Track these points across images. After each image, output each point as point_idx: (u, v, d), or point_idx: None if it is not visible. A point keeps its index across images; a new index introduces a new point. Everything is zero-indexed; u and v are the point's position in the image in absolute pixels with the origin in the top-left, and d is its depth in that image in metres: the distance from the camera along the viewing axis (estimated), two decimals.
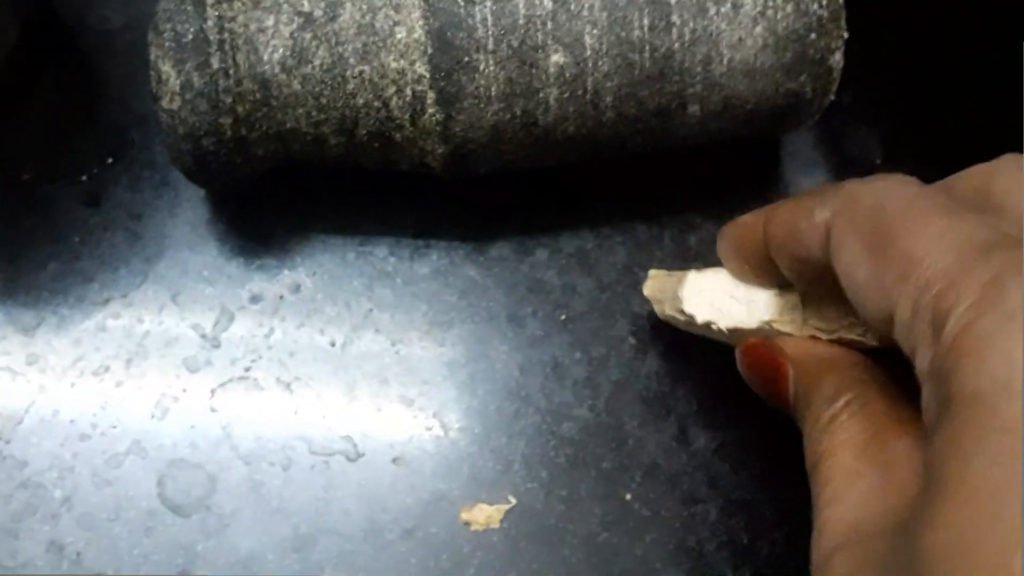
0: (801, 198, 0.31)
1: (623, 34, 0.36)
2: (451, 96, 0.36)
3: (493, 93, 0.36)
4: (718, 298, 0.35)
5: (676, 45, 0.36)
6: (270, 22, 0.36)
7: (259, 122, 0.36)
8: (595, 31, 0.36)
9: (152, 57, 0.36)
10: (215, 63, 0.35)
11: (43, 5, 0.44)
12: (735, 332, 0.35)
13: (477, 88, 0.36)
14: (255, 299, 0.40)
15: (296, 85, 0.36)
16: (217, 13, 0.36)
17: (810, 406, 0.31)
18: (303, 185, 0.41)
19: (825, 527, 0.27)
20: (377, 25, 0.36)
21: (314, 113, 0.36)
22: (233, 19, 0.36)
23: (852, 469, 0.28)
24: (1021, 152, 0.29)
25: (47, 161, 0.42)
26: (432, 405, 0.39)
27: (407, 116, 0.36)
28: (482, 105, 0.36)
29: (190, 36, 0.35)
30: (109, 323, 0.40)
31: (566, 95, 0.36)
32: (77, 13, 0.44)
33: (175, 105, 0.35)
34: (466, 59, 0.36)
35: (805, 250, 0.30)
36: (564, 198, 0.42)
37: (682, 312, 0.36)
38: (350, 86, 0.36)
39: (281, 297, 0.41)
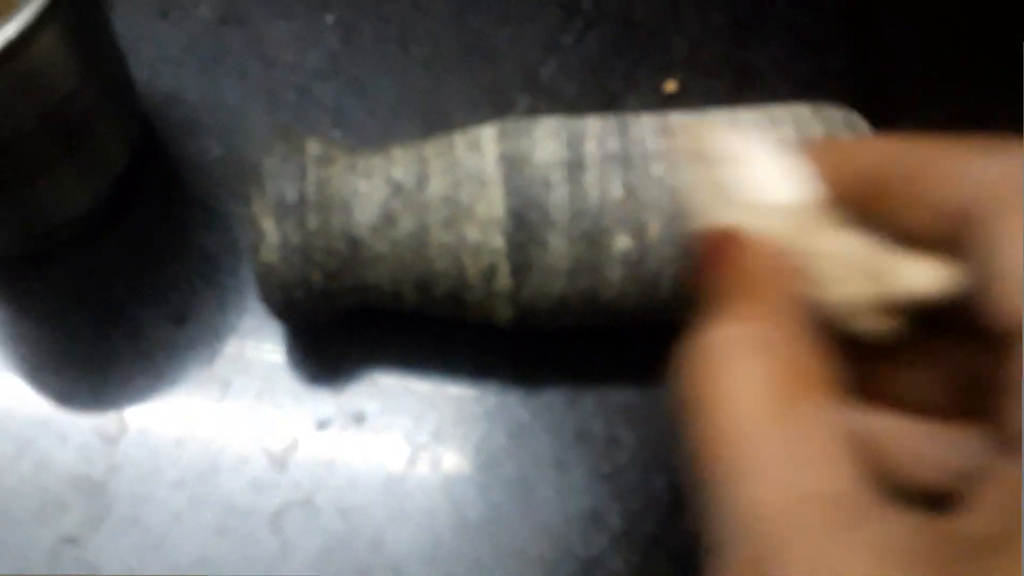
0: (945, 143, 0.24)
1: (684, 225, 0.39)
2: (523, 267, 0.39)
3: (562, 268, 0.39)
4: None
5: None
6: (364, 187, 0.40)
7: (345, 277, 0.40)
8: (659, 220, 0.39)
9: (253, 212, 0.39)
10: (312, 223, 0.39)
11: (149, 134, 0.47)
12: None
13: (547, 262, 0.39)
14: (322, 425, 0.44)
15: (382, 247, 0.40)
16: (317, 176, 0.40)
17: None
18: (375, 323, 0.44)
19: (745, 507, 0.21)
20: (461, 198, 0.39)
21: (396, 272, 0.40)
22: (329, 181, 0.40)
23: (764, 433, 0.22)
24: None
25: (139, 279, 0.46)
26: (473, 549, 0.42)
27: (480, 282, 0.40)
28: (550, 278, 0.40)
29: (290, 196, 0.39)
30: (186, 437, 0.43)
31: (628, 275, 0.40)
32: (179, 140, 0.48)
33: (272, 259, 0.39)
34: (540, 236, 0.39)
35: (934, 208, 0.23)
36: (614, 353, 0.45)
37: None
38: (431, 251, 0.40)
39: (344, 427, 0.44)
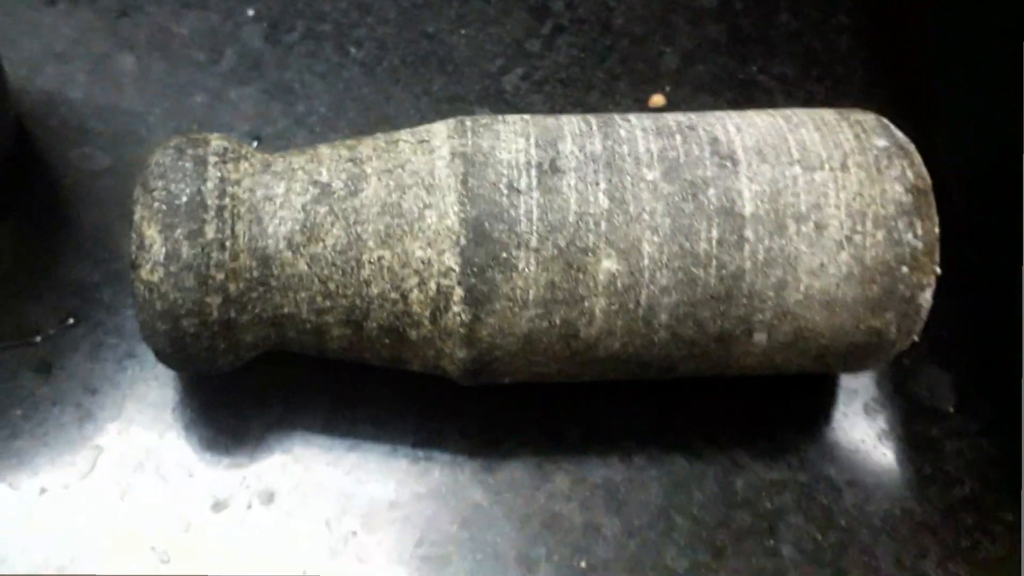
0: None
1: (687, 245, 0.32)
2: (482, 295, 0.32)
3: (531, 297, 0.32)
4: None
5: (748, 264, 0.33)
6: (280, 190, 0.33)
7: (252, 304, 0.33)
8: (655, 238, 0.32)
9: (136, 217, 0.32)
10: (210, 232, 0.32)
11: (18, 137, 0.41)
12: None
13: (513, 289, 0.32)
14: (218, 507, 0.36)
15: (302, 265, 0.32)
16: (219, 174, 0.33)
17: None
18: (291, 370, 0.38)
19: None
20: (404, 206, 0.33)
21: (319, 299, 0.33)
22: (238, 183, 0.33)
23: None
24: None
25: None
26: None
27: (427, 312, 0.33)
28: (516, 309, 0.33)
29: (184, 198, 0.32)
30: (42, 520, 0.36)
31: (615, 307, 0.33)
32: (59, 146, 0.42)
33: (156, 277, 0.32)
34: (504, 255, 0.32)
35: None
36: (593, 416, 0.39)
37: None
38: (365, 272, 0.32)
39: (249, 506, 0.36)
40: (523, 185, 0.33)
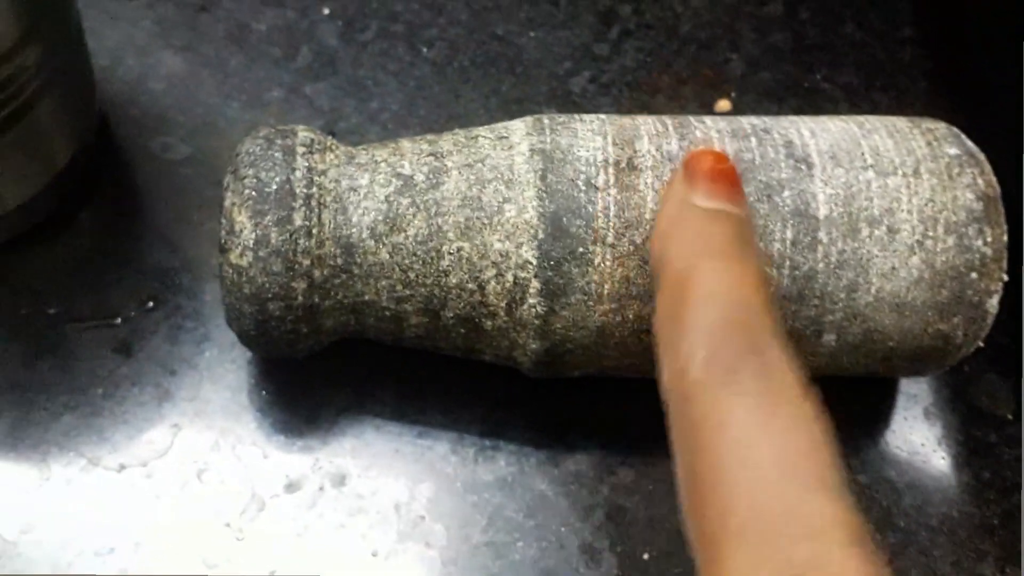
0: None
1: (762, 245, 0.33)
2: (557, 288, 0.33)
3: (605, 291, 0.33)
4: None
5: (820, 265, 0.33)
6: (364, 181, 0.34)
7: (335, 290, 0.34)
8: None
9: (227, 203, 0.33)
10: (298, 220, 0.33)
11: (100, 126, 0.42)
12: None
13: (588, 283, 0.33)
14: (291, 487, 0.37)
15: (384, 254, 0.34)
16: (307, 164, 0.34)
17: None
18: (363, 357, 0.39)
19: None
20: (484, 199, 0.34)
21: (399, 287, 0.34)
22: (324, 173, 0.34)
23: None
24: None
25: (79, 296, 0.40)
26: None
27: (503, 304, 0.34)
28: (591, 303, 0.33)
29: (274, 186, 0.33)
30: (121, 495, 0.36)
31: None
32: (138, 136, 0.43)
33: (245, 261, 0.33)
34: (580, 250, 0.33)
35: None
36: (657, 412, 0.39)
37: None
38: (444, 262, 0.34)
39: (321, 488, 0.37)
40: (600, 182, 0.34)
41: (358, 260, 0.34)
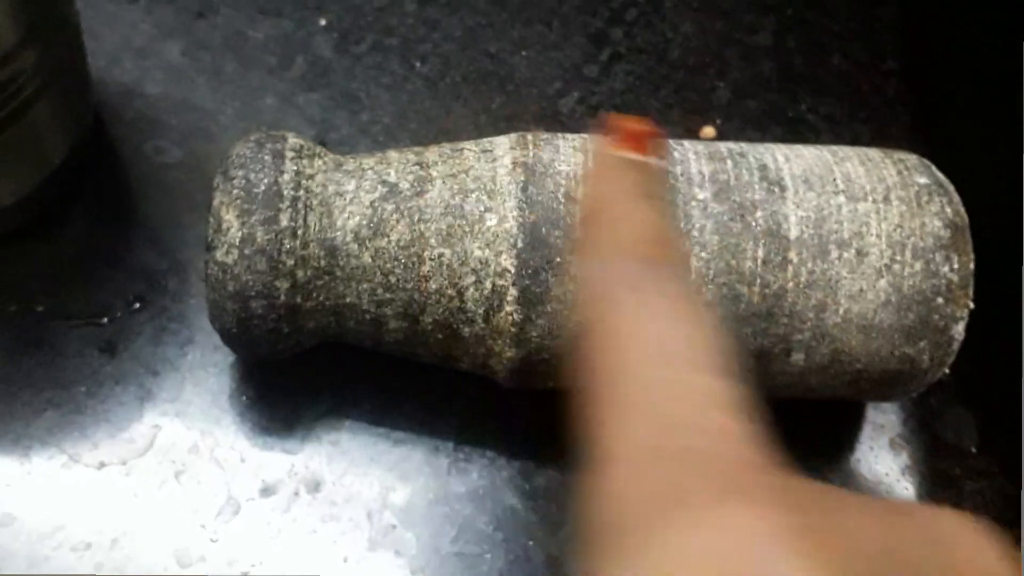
0: None
1: (734, 263, 0.35)
2: (534, 296, 0.35)
3: (580, 300, 0.35)
4: None
5: (790, 284, 0.35)
6: (350, 187, 0.36)
7: (317, 291, 0.35)
8: (704, 254, 0.35)
9: (215, 203, 0.35)
10: (284, 220, 0.35)
11: (95, 126, 0.43)
12: None
13: (565, 292, 0.35)
14: (267, 491, 0.38)
15: (366, 258, 0.35)
16: (296, 168, 0.35)
17: None
18: (342, 365, 0.40)
19: None
20: (467, 208, 0.35)
21: (380, 291, 0.35)
22: (312, 177, 0.36)
23: None
24: None
25: (67, 295, 0.41)
26: None
27: (481, 310, 0.35)
28: (567, 312, 0.35)
29: (262, 187, 0.35)
30: (100, 493, 0.38)
31: None
32: (132, 138, 0.44)
33: (230, 258, 0.34)
34: (558, 259, 0.35)
35: None
36: None
37: None
38: (425, 268, 0.35)
39: (296, 494, 0.38)
40: (579, 195, 0.35)
41: (341, 263, 0.35)
